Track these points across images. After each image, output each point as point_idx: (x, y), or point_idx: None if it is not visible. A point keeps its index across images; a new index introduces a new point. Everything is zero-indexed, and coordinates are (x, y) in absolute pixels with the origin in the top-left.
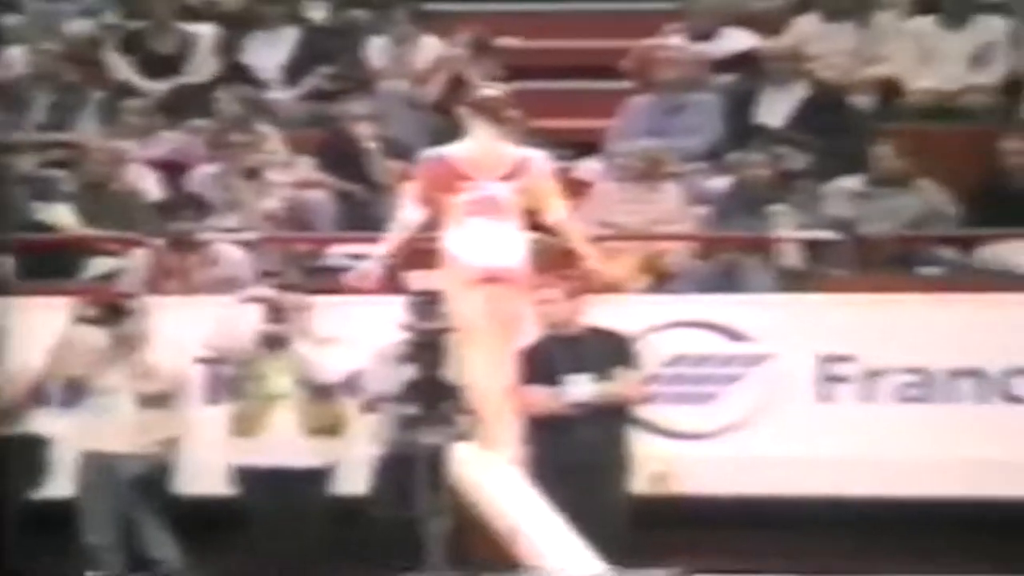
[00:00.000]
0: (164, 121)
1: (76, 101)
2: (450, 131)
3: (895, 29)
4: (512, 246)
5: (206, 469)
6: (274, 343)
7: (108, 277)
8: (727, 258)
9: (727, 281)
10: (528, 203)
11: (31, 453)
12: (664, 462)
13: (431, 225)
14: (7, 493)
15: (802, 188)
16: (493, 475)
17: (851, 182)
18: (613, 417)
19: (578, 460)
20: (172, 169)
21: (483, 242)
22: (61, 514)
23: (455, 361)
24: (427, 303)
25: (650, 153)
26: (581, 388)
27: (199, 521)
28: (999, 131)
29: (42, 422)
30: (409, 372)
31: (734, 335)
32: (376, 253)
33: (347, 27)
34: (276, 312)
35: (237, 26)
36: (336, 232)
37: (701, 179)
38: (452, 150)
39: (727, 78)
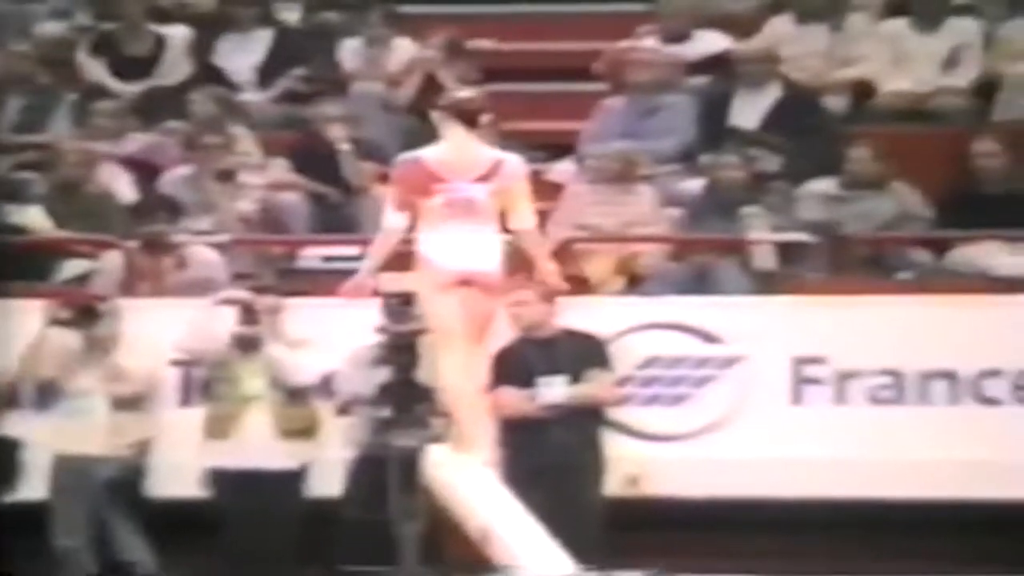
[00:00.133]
0: (136, 123)
1: (48, 103)
2: (424, 133)
3: (868, 31)
4: (487, 249)
5: (179, 471)
6: (247, 345)
7: (81, 279)
8: (700, 260)
9: (701, 283)
10: (501, 205)
11: (3, 455)
12: (638, 464)
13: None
14: None
15: (775, 190)
16: (467, 477)
17: (825, 184)
18: (587, 419)
19: (552, 462)
20: (145, 171)
21: (458, 245)
22: (34, 517)
23: (429, 363)
24: (401, 305)
25: (623, 155)
26: (555, 390)
27: (172, 523)
28: (971, 133)
29: (15, 424)
30: (383, 374)
31: (707, 337)
32: (366, 263)
33: (320, 29)
34: (249, 314)
35: (210, 28)
36: (310, 234)
37: (675, 181)
38: (427, 152)
39: (700, 80)
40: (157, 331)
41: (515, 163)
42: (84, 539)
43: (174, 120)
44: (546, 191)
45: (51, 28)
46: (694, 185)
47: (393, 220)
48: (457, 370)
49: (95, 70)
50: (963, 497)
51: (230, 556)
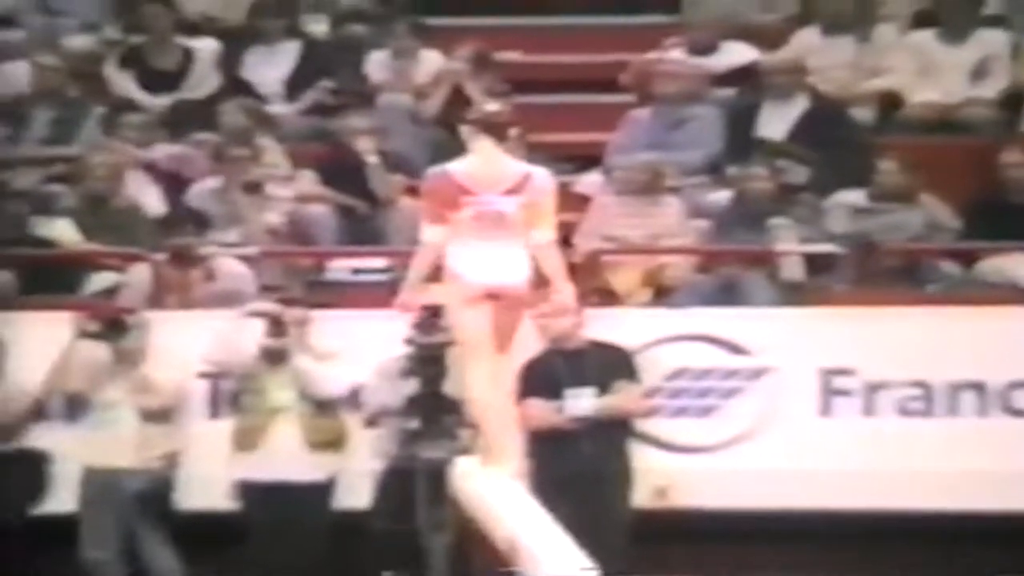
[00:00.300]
0: (164, 136)
1: (77, 116)
2: (451, 145)
3: (895, 42)
4: (515, 262)
5: (208, 483)
6: (275, 357)
7: (109, 292)
8: (728, 272)
9: (728, 295)
10: (528, 219)
11: (33, 468)
12: (666, 476)
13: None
14: (9, 508)
15: (803, 202)
16: (495, 489)
17: (853, 196)
18: (615, 431)
19: (580, 474)
20: (173, 183)
21: (486, 259)
22: (63, 529)
23: (457, 375)
24: (429, 317)
25: (651, 167)
26: (583, 402)
27: (201, 535)
28: (999, 144)
29: (43, 437)
30: (411, 386)
31: (735, 349)
32: (409, 278)
33: (348, 41)
34: (277, 326)
35: (237, 41)
36: (337, 246)
37: (702, 193)
38: (455, 166)
39: (727, 92)
40: (185, 343)
41: (543, 177)
42: (113, 551)
43: (202, 132)
44: (573, 203)
45: (80, 41)
46: (721, 197)
47: (430, 234)
48: (485, 382)
49: (123, 83)
50: (992, 509)
51: (258, 568)
